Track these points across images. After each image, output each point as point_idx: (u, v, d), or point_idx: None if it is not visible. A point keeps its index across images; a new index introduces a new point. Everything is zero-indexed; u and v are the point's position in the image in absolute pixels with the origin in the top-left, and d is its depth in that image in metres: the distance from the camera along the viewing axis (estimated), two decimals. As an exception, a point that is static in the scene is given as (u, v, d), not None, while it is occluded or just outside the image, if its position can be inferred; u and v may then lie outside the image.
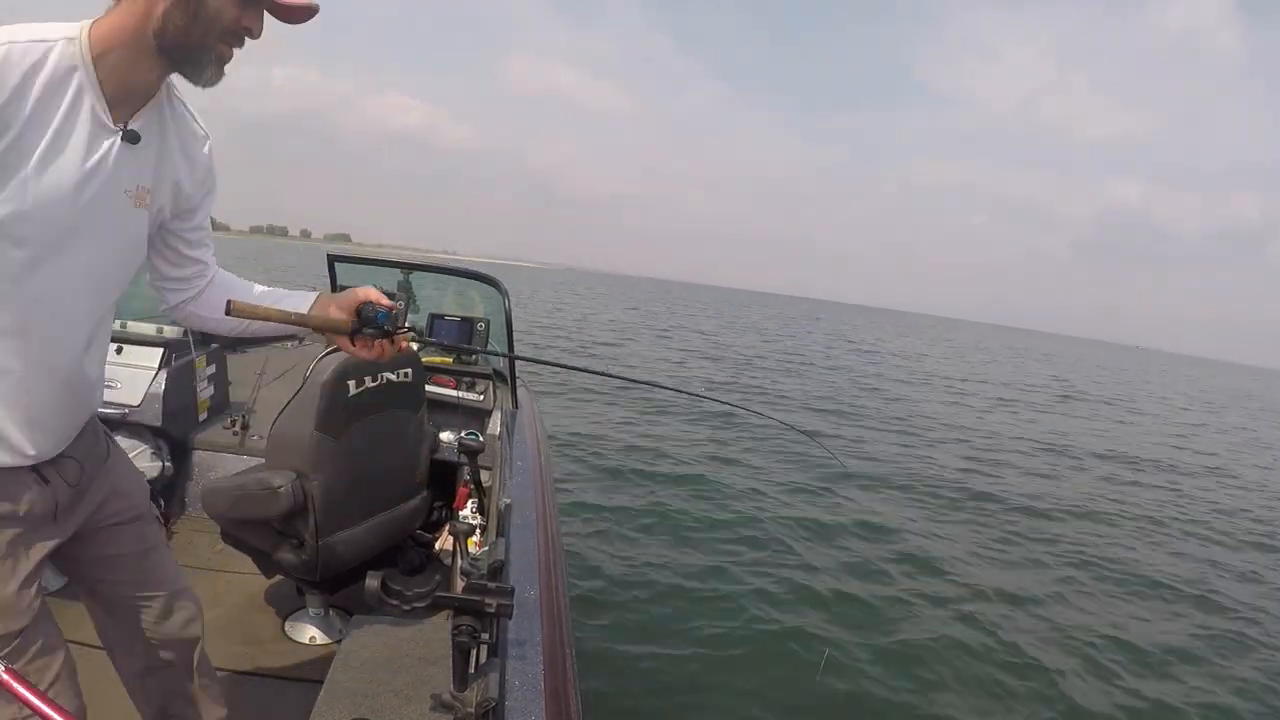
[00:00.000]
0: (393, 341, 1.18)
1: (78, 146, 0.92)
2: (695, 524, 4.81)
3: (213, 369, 3.00)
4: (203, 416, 2.84)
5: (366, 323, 1.17)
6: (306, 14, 0.98)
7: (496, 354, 2.82)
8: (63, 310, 0.98)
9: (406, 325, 1.20)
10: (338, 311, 1.17)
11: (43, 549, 1.05)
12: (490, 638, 1.22)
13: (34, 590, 1.02)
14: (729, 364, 14.80)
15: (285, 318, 1.14)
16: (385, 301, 1.17)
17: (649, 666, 2.94)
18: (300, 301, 1.21)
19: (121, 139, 0.96)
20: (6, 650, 0.97)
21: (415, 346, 3.15)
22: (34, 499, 1.02)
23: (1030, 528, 5.76)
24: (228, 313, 1.11)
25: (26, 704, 0.78)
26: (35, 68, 0.87)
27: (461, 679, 1.13)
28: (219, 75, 0.99)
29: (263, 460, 1.95)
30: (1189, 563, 5.54)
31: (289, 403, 1.83)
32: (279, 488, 1.73)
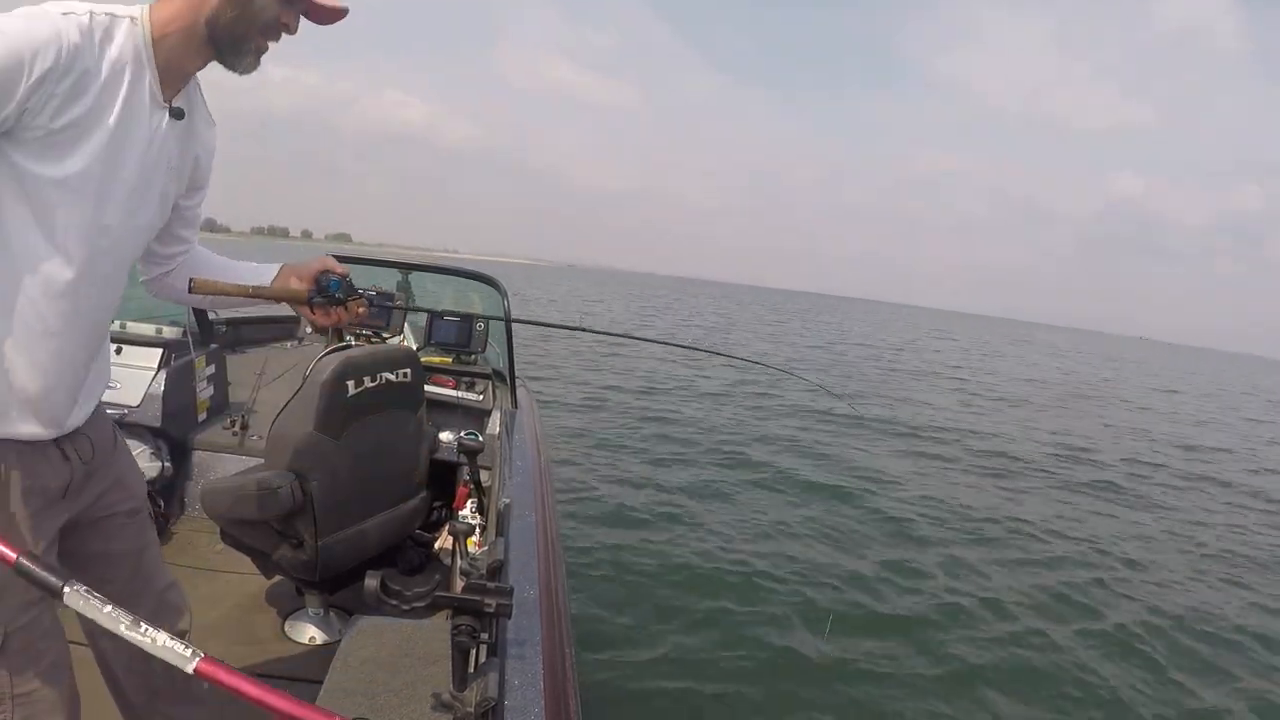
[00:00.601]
0: (346, 308, 1.26)
1: (141, 118, 0.99)
2: (697, 523, 4.81)
3: (212, 369, 3.00)
4: (202, 417, 2.84)
5: (320, 291, 1.25)
6: (337, 16, 1.06)
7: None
8: (108, 273, 1.04)
9: (359, 291, 1.28)
10: (298, 282, 1.25)
11: (56, 524, 1.08)
12: (490, 637, 1.22)
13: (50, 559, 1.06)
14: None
15: (243, 291, 1.21)
16: (339, 269, 1.25)
17: (649, 667, 2.94)
18: (266, 274, 1.27)
19: (169, 115, 1.04)
20: (25, 620, 1.01)
21: (408, 342, 3.16)
22: (55, 474, 1.05)
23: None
24: (190, 290, 1.17)
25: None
26: (107, 38, 0.94)
27: (461, 679, 1.13)
28: (255, 65, 1.06)
29: (262, 460, 1.95)
30: None
31: (288, 403, 1.83)
32: (278, 488, 1.73)
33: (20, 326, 0.96)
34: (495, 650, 1.24)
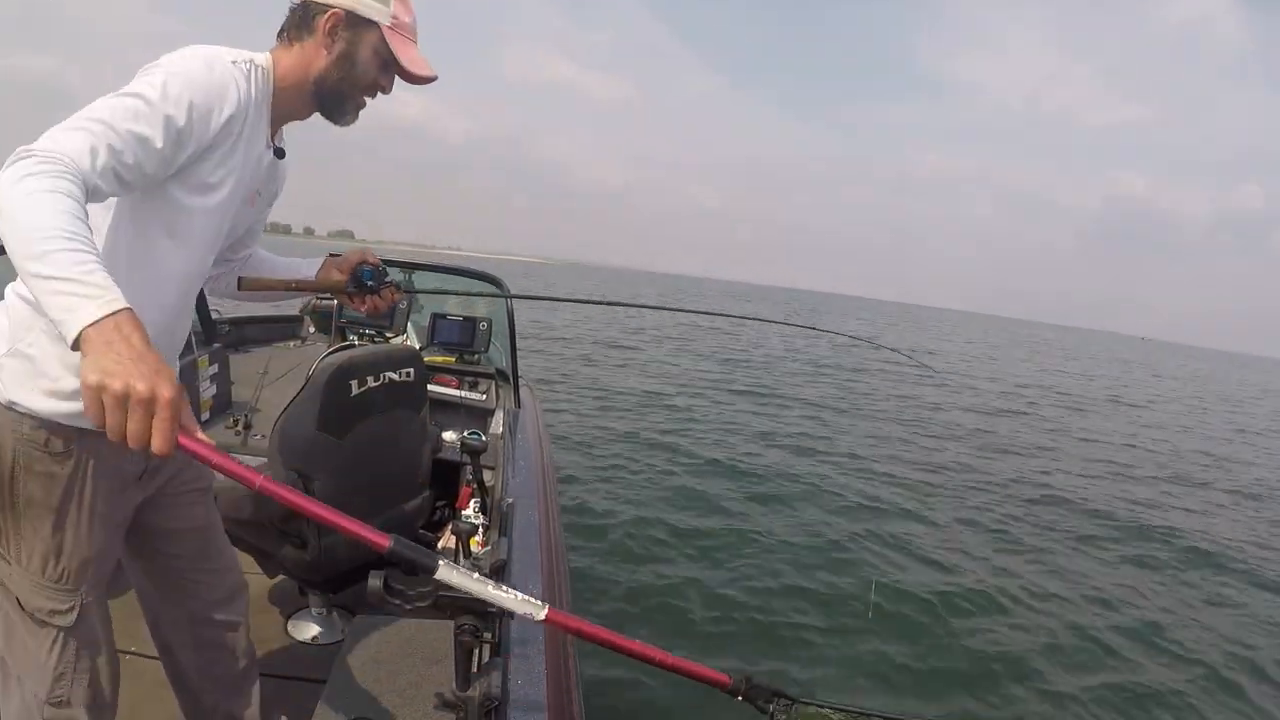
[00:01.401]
0: (380, 295, 1.37)
1: (256, 155, 1.14)
2: (700, 522, 4.80)
3: (215, 368, 3.00)
4: (205, 416, 2.84)
5: (355, 280, 1.36)
6: (427, 80, 1.18)
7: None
8: (197, 270, 1.15)
9: (389, 279, 1.38)
10: (338, 274, 1.38)
11: (131, 507, 1.17)
12: (493, 637, 1.22)
13: (121, 539, 1.18)
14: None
15: (286, 285, 1.36)
16: (373, 260, 1.36)
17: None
18: (311, 268, 1.40)
19: (273, 154, 1.20)
20: (95, 597, 1.11)
21: (411, 341, 3.15)
22: (132, 459, 1.12)
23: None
24: (240, 288, 1.33)
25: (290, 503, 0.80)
26: (251, 85, 1.06)
27: (464, 678, 1.13)
28: (355, 119, 1.21)
29: (265, 460, 1.95)
30: None
31: (291, 402, 1.83)
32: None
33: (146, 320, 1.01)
34: (499, 649, 1.24)
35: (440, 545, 2.36)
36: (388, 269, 1.38)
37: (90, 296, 0.74)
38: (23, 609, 1.06)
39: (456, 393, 2.96)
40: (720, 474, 6.03)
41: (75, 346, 0.73)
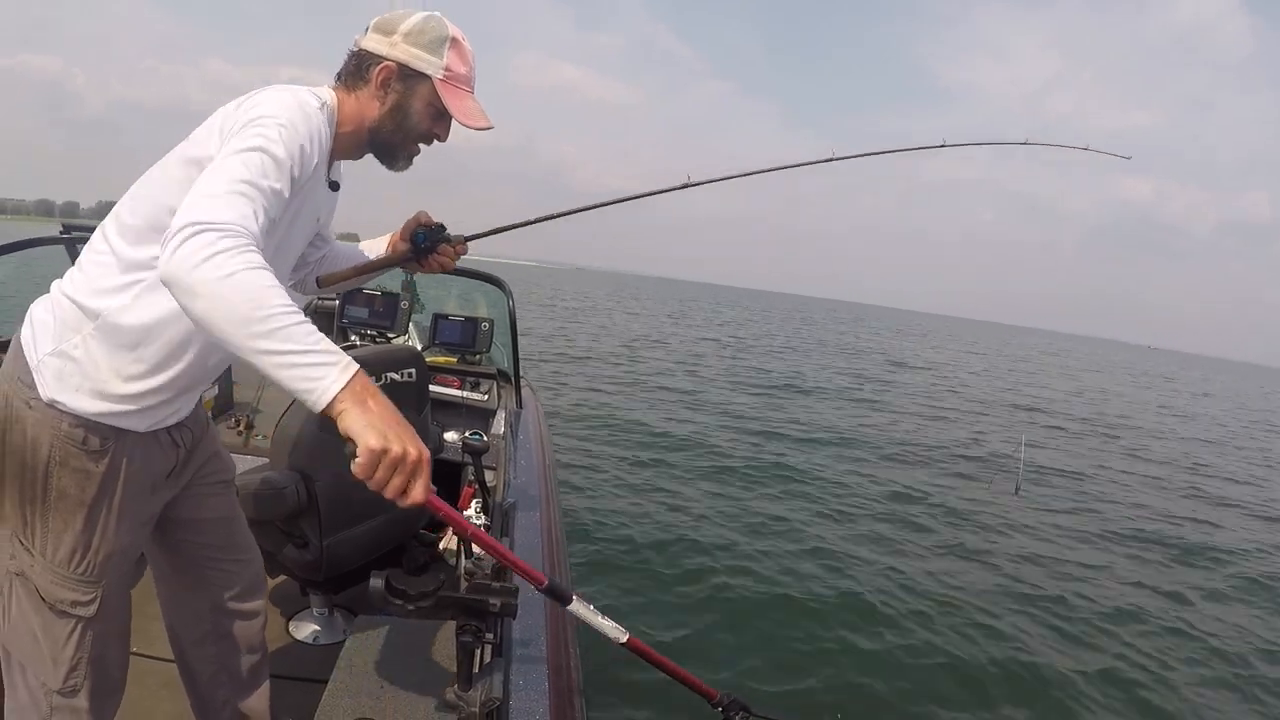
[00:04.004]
0: (439, 252, 1.37)
1: (321, 186, 1.18)
2: (702, 522, 4.80)
3: (216, 369, 3.00)
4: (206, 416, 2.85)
5: (413, 246, 1.35)
6: (484, 127, 1.18)
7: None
8: None
9: (449, 236, 1.36)
10: (400, 244, 1.38)
11: (159, 504, 1.20)
12: (494, 637, 1.22)
13: (147, 535, 1.21)
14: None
15: (357, 272, 1.38)
16: (425, 220, 1.35)
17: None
18: (380, 247, 1.42)
19: (329, 187, 1.23)
20: (117, 588, 1.13)
21: (412, 341, 3.14)
22: (163, 459, 1.16)
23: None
24: (319, 285, 1.38)
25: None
26: (329, 128, 1.10)
27: (466, 678, 1.12)
28: (408, 165, 1.23)
29: (267, 460, 1.95)
30: None
31: (293, 402, 1.82)
32: (284, 488, 1.73)
33: (203, 345, 1.08)
34: (500, 650, 1.24)
35: (442, 546, 2.35)
36: (443, 226, 1.37)
37: (330, 364, 0.82)
38: (42, 599, 1.07)
39: (458, 393, 2.95)
40: (721, 473, 6.03)
41: (325, 411, 0.83)
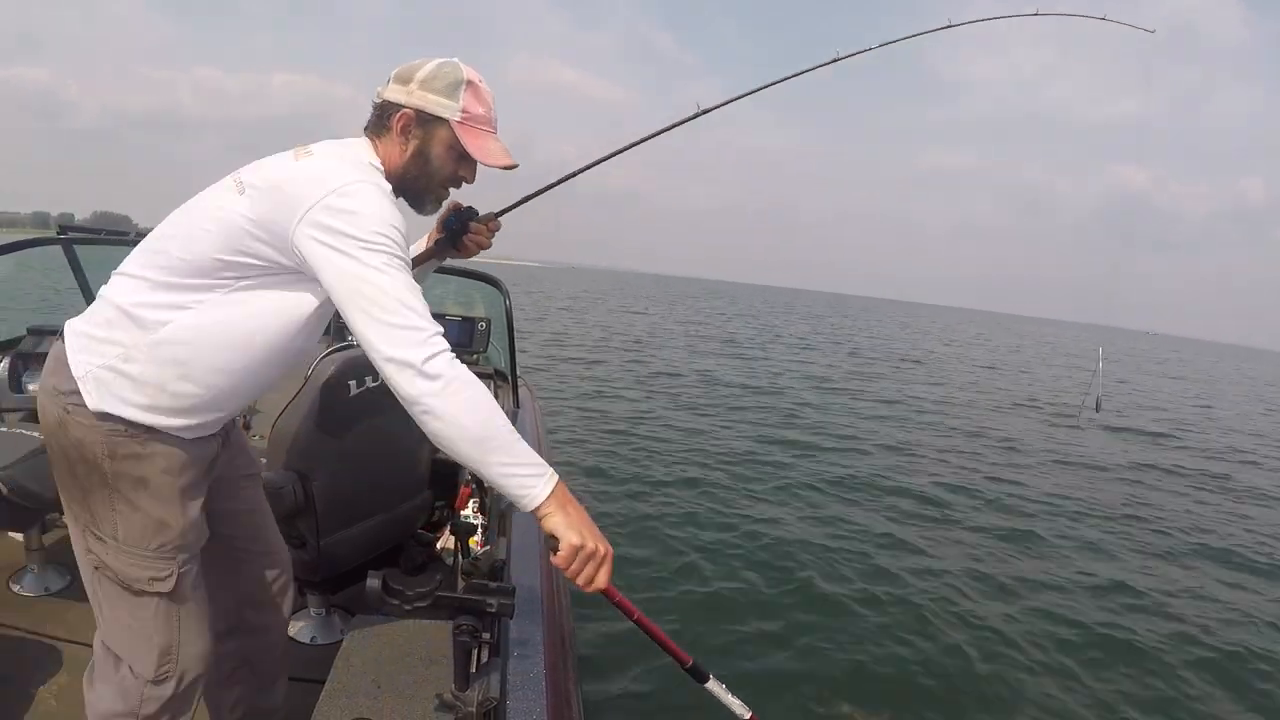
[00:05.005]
0: (474, 232, 1.39)
1: None
2: (701, 522, 4.80)
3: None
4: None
5: (447, 232, 1.39)
6: (506, 165, 1.22)
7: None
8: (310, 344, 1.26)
9: (478, 215, 1.39)
10: (437, 233, 1.42)
11: (205, 490, 1.23)
12: (492, 637, 1.22)
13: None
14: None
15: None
16: (454, 205, 1.36)
17: (652, 666, 2.93)
18: (422, 246, 1.45)
19: None
20: (190, 569, 1.18)
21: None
22: (213, 451, 1.23)
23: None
24: None
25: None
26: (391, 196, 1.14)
27: (463, 678, 1.13)
28: (437, 209, 1.28)
29: (264, 460, 1.95)
30: None
31: (290, 403, 1.83)
32: (281, 488, 1.73)
33: (263, 370, 1.16)
34: (497, 650, 1.24)
35: (440, 545, 2.36)
36: (472, 209, 1.40)
37: (539, 475, 1.02)
38: (124, 586, 1.12)
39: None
40: (721, 472, 6.04)
41: (533, 512, 1.01)
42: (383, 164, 1.17)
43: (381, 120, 1.18)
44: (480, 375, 3.35)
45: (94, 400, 1.06)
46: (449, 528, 2.29)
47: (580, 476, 5.50)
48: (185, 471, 1.15)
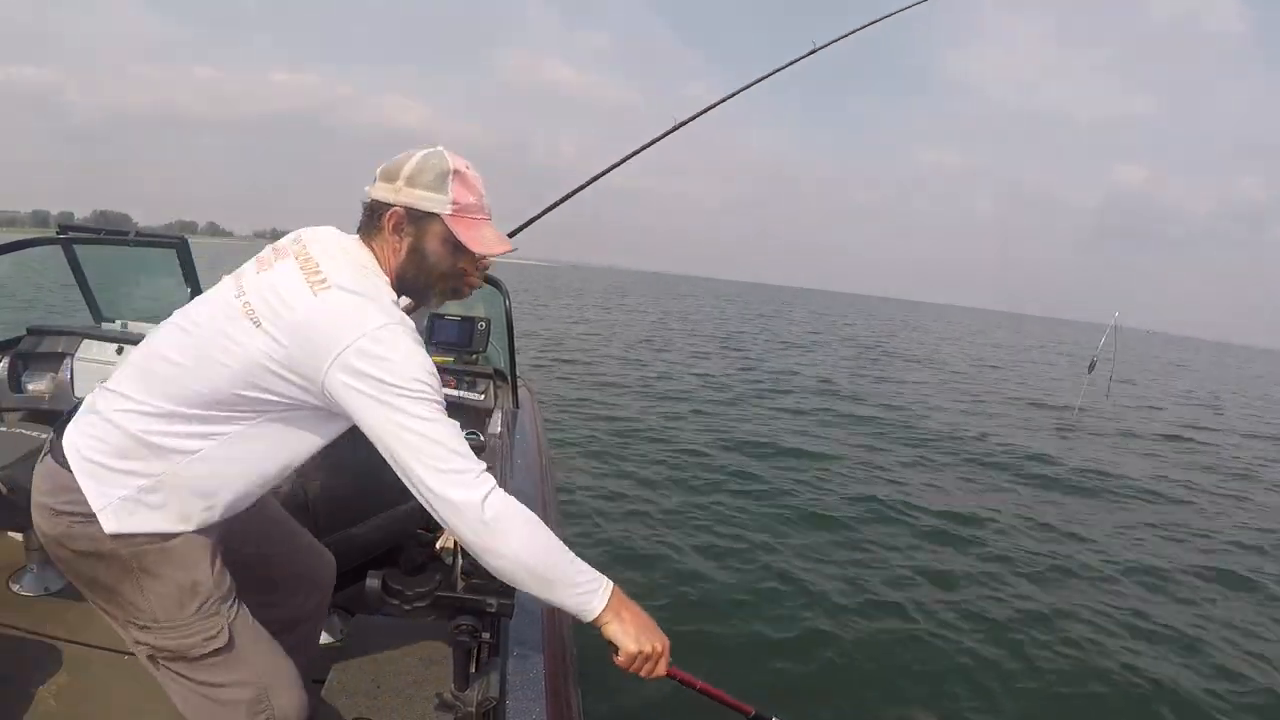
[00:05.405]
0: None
1: None
2: (700, 523, 4.80)
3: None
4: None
5: None
6: (503, 252, 1.21)
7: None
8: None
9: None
10: None
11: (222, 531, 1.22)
12: (491, 637, 1.22)
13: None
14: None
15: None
16: None
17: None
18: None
19: None
20: (236, 612, 1.15)
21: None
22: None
23: None
24: None
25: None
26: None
27: (463, 678, 1.13)
28: (442, 302, 1.30)
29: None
30: None
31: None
32: (280, 488, 1.73)
33: (268, 477, 1.15)
34: (497, 650, 1.24)
35: (439, 545, 2.35)
36: None
37: (595, 589, 1.07)
38: (184, 658, 1.10)
39: (454, 393, 2.95)
40: (722, 471, 6.04)
41: (592, 623, 1.07)
42: (380, 265, 1.15)
43: (373, 220, 1.16)
44: (479, 375, 3.34)
45: (111, 525, 1.04)
46: (448, 529, 2.29)
47: (580, 477, 5.50)
48: (206, 537, 1.13)
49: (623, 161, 1.60)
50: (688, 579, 3.93)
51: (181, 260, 2.89)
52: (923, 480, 6.52)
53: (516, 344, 3.02)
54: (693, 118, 1.69)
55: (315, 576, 1.45)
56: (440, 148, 1.17)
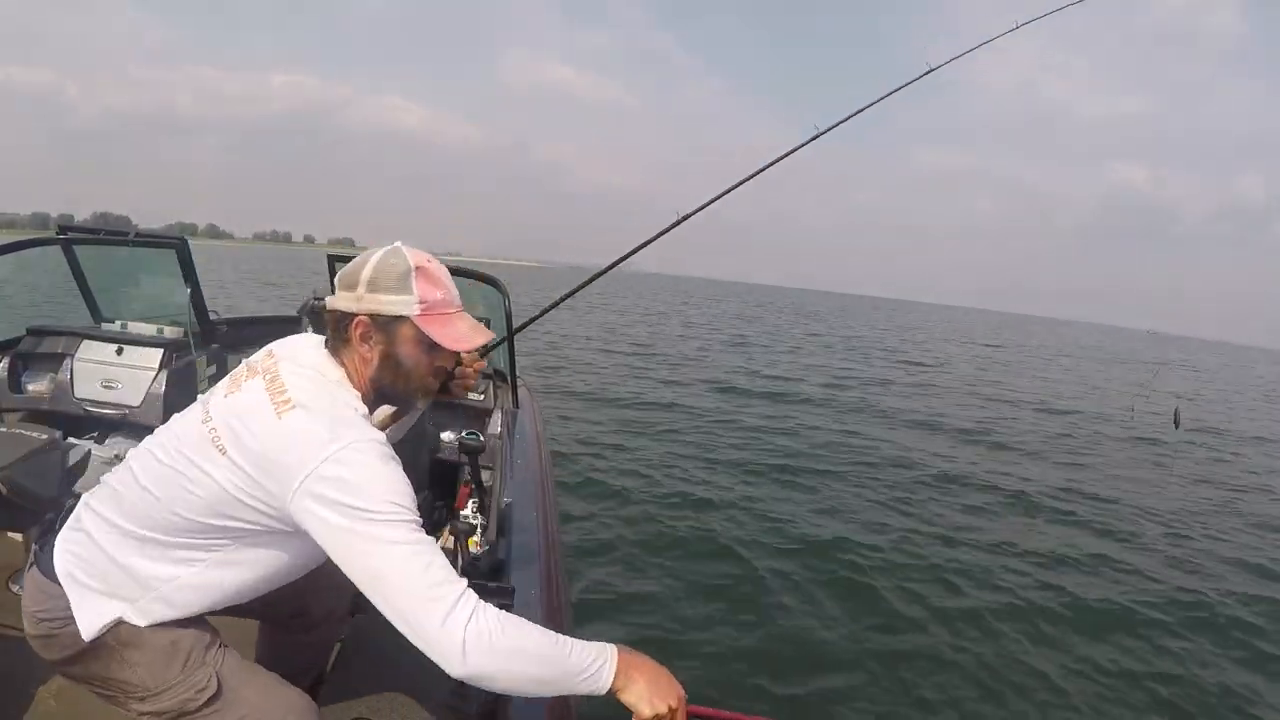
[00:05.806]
0: (459, 376, 1.31)
1: None
2: (700, 523, 4.79)
3: (214, 369, 3.00)
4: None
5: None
6: (477, 346, 1.16)
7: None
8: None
9: (459, 359, 1.28)
10: None
11: None
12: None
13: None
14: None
15: (396, 418, 1.39)
16: None
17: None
18: None
19: None
20: (224, 659, 1.14)
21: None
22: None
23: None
24: None
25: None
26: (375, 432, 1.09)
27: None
28: (428, 400, 1.27)
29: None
30: None
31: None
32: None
33: (262, 583, 1.14)
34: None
35: (440, 545, 2.36)
36: (456, 354, 1.32)
37: (599, 665, 1.02)
38: (190, 714, 1.10)
39: (454, 393, 2.95)
40: (723, 471, 6.03)
41: (608, 694, 1.02)
42: (354, 378, 1.12)
43: (339, 332, 1.11)
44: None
45: (91, 634, 1.06)
46: (449, 528, 2.29)
47: (580, 477, 5.50)
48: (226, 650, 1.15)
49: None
50: (691, 580, 3.92)
51: (181, 261, 2.90)
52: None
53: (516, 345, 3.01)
54: (674, 225, 1.79)
55: (337, 577, 1.44)
56: (398, 244, 1.12)
